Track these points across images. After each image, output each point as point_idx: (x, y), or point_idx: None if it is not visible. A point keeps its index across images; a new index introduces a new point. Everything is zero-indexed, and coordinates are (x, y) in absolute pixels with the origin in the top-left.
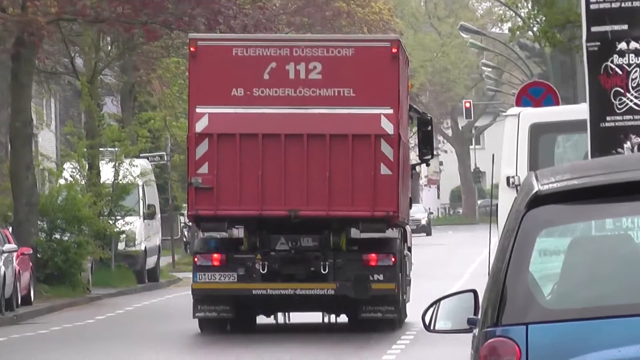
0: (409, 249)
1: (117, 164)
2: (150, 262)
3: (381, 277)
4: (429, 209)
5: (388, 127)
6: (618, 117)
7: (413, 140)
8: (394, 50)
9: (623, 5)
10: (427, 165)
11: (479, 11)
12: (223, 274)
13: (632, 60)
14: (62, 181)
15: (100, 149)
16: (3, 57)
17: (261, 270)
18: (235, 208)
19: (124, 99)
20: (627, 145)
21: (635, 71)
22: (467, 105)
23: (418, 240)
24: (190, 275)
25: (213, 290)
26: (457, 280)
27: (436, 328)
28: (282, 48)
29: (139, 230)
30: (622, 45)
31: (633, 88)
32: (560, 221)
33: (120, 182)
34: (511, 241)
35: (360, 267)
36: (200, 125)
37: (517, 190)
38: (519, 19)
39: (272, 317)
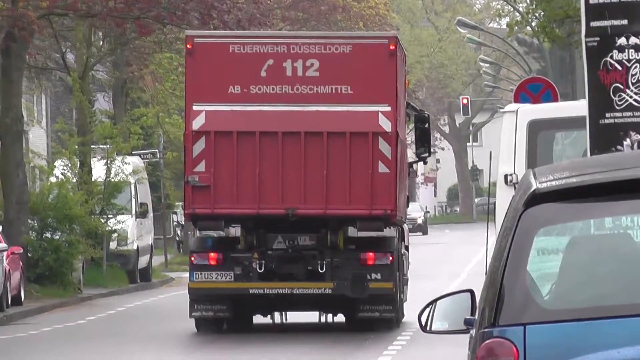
0: (407, 248)
1: (108, 162)
2: (143, 261)
3: (379, 276)
4: (426, 207)
5: (386, 125)
6: (618, 114)
7: (410, 138)
8: (392, 47)
9: None
10: (424, 163)
11: (477, 6)
12: (220, 273)
13: (632, 55)
14: (53, 179)
15: (92, 146)
16: None
17: (258, 270)
18: (232, 206)
19: (116, 95)
20: (627, 142)
21: (635, 67)
22: (465, 101)
23: (414, 240)
24: (183, 274)
25: (210, 290)
26: (454, 279)
27: (432, 329)
28: (280, 45)
29: (131, 229)
30: (622, 41)
31: (633, 84)
32: (559, 220)
33: (112, 180)
34: (509, 240)
35: (358, 266)
36: (197, 123)
37: (515, 188)
38: (517, 14)
39: (269, 316)
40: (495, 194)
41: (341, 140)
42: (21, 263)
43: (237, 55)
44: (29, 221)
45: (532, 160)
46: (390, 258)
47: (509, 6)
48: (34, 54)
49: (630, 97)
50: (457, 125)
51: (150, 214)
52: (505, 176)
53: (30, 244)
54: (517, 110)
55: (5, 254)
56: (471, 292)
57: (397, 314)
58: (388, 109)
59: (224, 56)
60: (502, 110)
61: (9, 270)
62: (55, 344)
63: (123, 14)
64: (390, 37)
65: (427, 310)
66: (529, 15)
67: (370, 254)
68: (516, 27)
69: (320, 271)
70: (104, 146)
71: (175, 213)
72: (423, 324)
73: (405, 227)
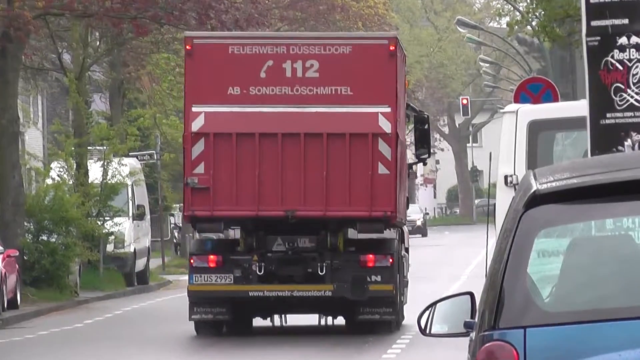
0: (407, 250)
1: (105, 163)
2: (140, 264)
3: (379, 279)
4: (425, 209)
5: (385, 126)
6: (619, 114)
7: (409, 138)
8: (392, 47)
9: None
10: (424, 164)
11: (477, 5)
12: (219, 275)
13: (633, 55)
14: (49, 181)
15: (89, 148)
16: None
17: (258, 272)
18: (232, 208)
19: (113, 96)
20: (628, 142)
21: (636, 67)
22: (464, 102)
23: (414, 242)
24: (180, 277)
25: (209, 292)
26: (454, 282)
27: (432, 332)
28: (279, 46)
29: (128, 232)
30: (623, 40)
31: (634, 84)
32: (559, 221)
33: (109, 181)
34: (509, 242)
35: (358, 268)
36: (197, 125)
37: (515, 190)
38: (518, 13)
39: (269, 319)
40: (495, 195)
41: (341, 142)
42: (17, 266)
43: (237, 56)
44: (25, 223)
45: (532, 161)
46: (391, 260)
47: (509, 5)
48: (30, 55)
49: (632, 97)
50: (457, 125)
51: (148, 216)
52: (505, 177)
53: (26, 247)
54: (517, 111)
55: (1, 256)
56: (471, 294)
57: (397, 316)
58: (388, 110)
59: (224, 57)
60: (502, 110)
61: (5, 273)
62: (52, 348)
63: (120, 14)
64: (390, 37)
65: (427, 313)
66: (529, 15)
67: (370, 256)
68: (516, 27)
69: (320, 273)
70: (101, 147)
71: (173, 215)
72: (422, 327)
73: (405, 229)
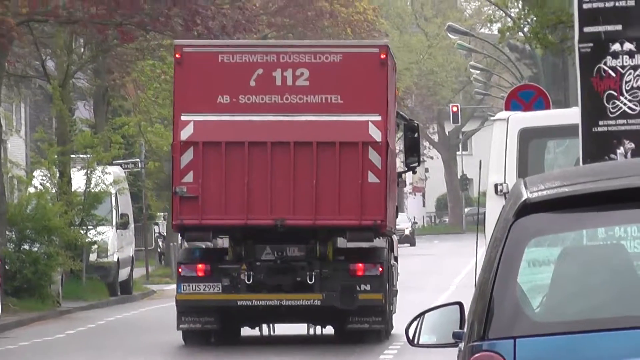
0: (396, 259)
1: (89, 172)
2: (123, 273)
3: (368, 288)
4: (414, 218)
5: (376, 135)
6: (611, 122)
7: (398, 147)
8: (383, 56)
9: (617, 4)
10: (414, 172)
11: (468, 11)
12: (208, 284)
13: (626, 62)
14: (31, 189)
15: (72, 156)
16: None
17: (246, 281)
18: (221, 217)
19: (97, 104)
20: (621, 151)
21: (629, 73)
22: (455, 109)
23: (402, 251)
24: (165, 287)
25: (197, 302)
26: (443, 292)
27: (420, 342)
28: (269, 54)
29: (111, 241)
30: (616, 47)
31: (627, 91)
32: (550, 230)
33: (92, 190)
34: (499, 251)
35: (347, 277)
36: (186, 133)
37: (505, 198)
38: (509, 20)
39: (257, 328)
40: (485, 204)
41: (331, 150)
42: None
43: (226, 64)
44: (7, 232)
45: (523, 169)
46: (380, 269)
47: (501, 12)
48: (13, 62)
49: (625, 104)
50: (447, 133)
51: (132, 225)
52: (496, 186)
53: (7, 256)
54: (508, 118)
55: None
56: (460, 304)
57: (387, 325)
58: (378, 118)
59: (213, 66)
60: (492, 118)
61: None
62: (33, 359)
63: (105, 21)
64: (381, 45)
65: (415, 323)
66: (521, 21)
67: (360, 264)
68: (508, 33)
69: (309, 282)
70: (84, 156)
71: (157, 224)
72: (410, 337)
73: (395, 237)
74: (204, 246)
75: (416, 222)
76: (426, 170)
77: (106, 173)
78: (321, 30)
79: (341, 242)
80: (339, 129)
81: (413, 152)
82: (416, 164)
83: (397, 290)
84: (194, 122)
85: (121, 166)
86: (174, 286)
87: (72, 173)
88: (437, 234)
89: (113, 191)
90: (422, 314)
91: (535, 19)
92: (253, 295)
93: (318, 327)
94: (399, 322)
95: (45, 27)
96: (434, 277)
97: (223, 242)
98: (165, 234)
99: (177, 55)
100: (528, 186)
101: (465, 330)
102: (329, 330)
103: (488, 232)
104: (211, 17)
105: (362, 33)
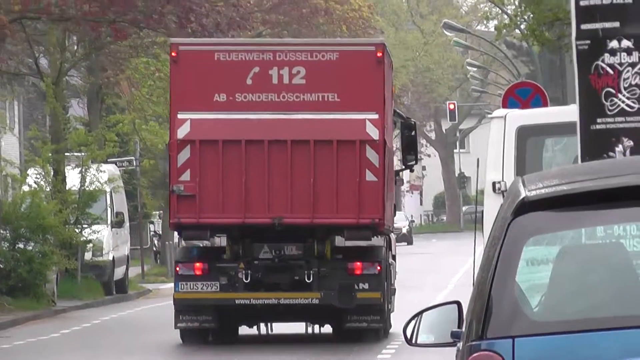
0: (394, 258)
1: (83, 170)
2: (119, 272)
3: (366, 286)
4: (411, 216)
5: (373, 133)
6: (609, 119)
7: (395, 145)
8: (379, 54)
9: (614, 1)
10: (411, 171)
11: (464, 8)
12: (205, 283)
13: (624, 59)
14: (25, 188)
15: (66, 154)
16: None
17: (244, 280)
18: (218, 216)
19: (91, 101)
20: (619, 148)
21: (627, 71)
22: (451, 107)
23: (399, 250)
24: (160, 286)
25: (195, 300)
26: (441, 290)
27: (418, 342)
28: (265, 52)
29: (106, 239)
30: (614, 44)
31: (625, 88)
32: (549, 229)
33: (87, 188)
34: (497, 250)
35: (345, 276)
36: (182, 132)
37: (503, 197)
38: (506, 16)
39: (255, 327)
40: (483, 202)
41: (328, 149)
42: None
43: (223, 62)
44: (1, 231)
45: (521, 167)
46: (378, 268)
47: (497, 8)
48: (6, 59)
49: (623, 102)
50: (444, 131)
51: (127, 224)
52: (494, 184)
53: (2, 255)
54: (505, 116)
55: None
56: (458, 303)
57: (385, 324)
58: (375, 116)
59: (209, 64)
60: (490, 115)
61: None
62: (28, 358)
63: (98, 18)
64: (378, 44)
65: (413, 322)
66: (518, 18)
67: (358, 263)
68: (504, 30)
69: (307, 281)
70: (79, 154)
71: (152, 222)
72: (408, 337)
73: (392, 236)
74: (201, 245)
75: (413, 221)
76: (423, 168)
77: (101, 171)
78: (316, 27)
79: (339, 241)
80: (336, 127)
81: (410, 150)
82: (414, 162)
83: (395, 289)
84: (191, 121)
85: (116, 164)
86: (170, 285)
87: (66, 171)
88: (435, 232)
89: (108, 189)
90: (420, 313)
91: (532, 15)
92: (251, 294)
93: (316, 326)
94: (397, 320)
95: (38, 25)
96: (431, 276)
97: (221, 240)
98: (160, 232)
99: (173, 54)
100: (526, 184)
101: (463, 329)
102: (327, 329)
103: (486, 231)
104: (205, 15)
105: (358, 30)
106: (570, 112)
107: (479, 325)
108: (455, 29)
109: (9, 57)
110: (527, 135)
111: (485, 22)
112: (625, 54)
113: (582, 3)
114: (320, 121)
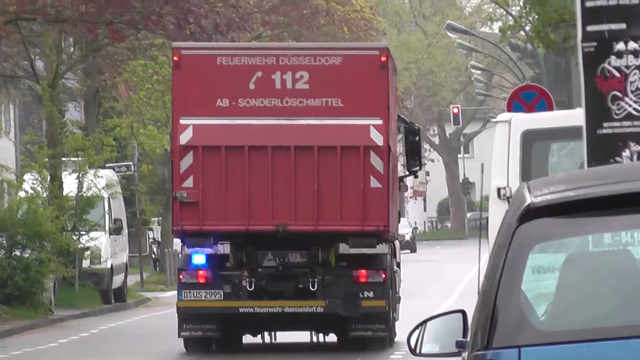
0: (398, 265)
1: (80, 175)
2: (117, 280)
3: (371, 294)
4: (415, 223)
5: (377, 139)
6: (616, 124)
7: (399, 150)
8: (383, 58)
9: (621, 2)
10: (415, 176)
11: (467, 9)
12: (209, 291)
13: (631, 61)
14: (22, 193)
15: (63, 159)
16: None
17: (248, 288)
18: (222, 223)
19: (88, 105)
20: (626, 153)
21: (634, 74)
22: (455, 110)
23: (403, 257)
24: (159, 294)
25: (198, 309)
26: (445, 299)
27: (422, 351)
28: (268, 57)
29: (104, 247)
30: (620, 46)
31: (632, 92)
32: (555, 236)
33: (85, 194)
34: (502, 257)
35: (350, 284)
36: (185, 137)
37: (508, 203)
38: (510, 18)
39: (259, 336)
40: (487, 209)
41: (332, 155)
42: None
43: (225, 67)
44: None
45: (526, 172)
46: (383, 275)
47: (501, 10)
48: (1, 62)
49: (630, 105)
50: (448, 135)
51: (125, 231)
52: (498, 189)
53: None
54: (510, 120)
55: None
56: (463, 312)
57: (390, 332)
58: (380, 122)
59: (212, 68)
60: (494, 119)
61: None
62: None
63: (95, 19)
64: (382, 48)
65: (417, 331)
66: (523, 19)
67: (363, 271)
68: (509, 32)
69: (312, 289)
70: (76, 159)
71: (151, 229)
72: (412, 346)
73: (397, 243)
74: (205, 252)
75: (417, 228)
76: (427, 173)
77: (98, 176)
78: (317, 28)
79: (343, 248)
80: (340, 132)
81: (414, 155)
82: (418, 168)
83: (400, 297)
84: (193, 126)
85: (113, 169)
86: (170, 293)
87: (63, 177)
88: (439, 239)
89: (106, 195)
90: (424, 322)
91: (537, 17)
92: (255, 302)
93: (321, 335)
94: (402, 329)
95: (33, 26)
96: (436, 284)
97: (224, 248)
98: (159, 239)
99: (175, 58)
100: (532, 190)
101: (468, 339)
102: (332, 337)
103: (491, 238)
104: (204, 16)
105: (359, 32)
106: (576, 116)
107: (484, 334)
108: (458, 31)
109: (4, 59)
110: (532, 140)
111: (489, 23)
112: (632, 56)
113: (587, 4)
114: (323, 127)
